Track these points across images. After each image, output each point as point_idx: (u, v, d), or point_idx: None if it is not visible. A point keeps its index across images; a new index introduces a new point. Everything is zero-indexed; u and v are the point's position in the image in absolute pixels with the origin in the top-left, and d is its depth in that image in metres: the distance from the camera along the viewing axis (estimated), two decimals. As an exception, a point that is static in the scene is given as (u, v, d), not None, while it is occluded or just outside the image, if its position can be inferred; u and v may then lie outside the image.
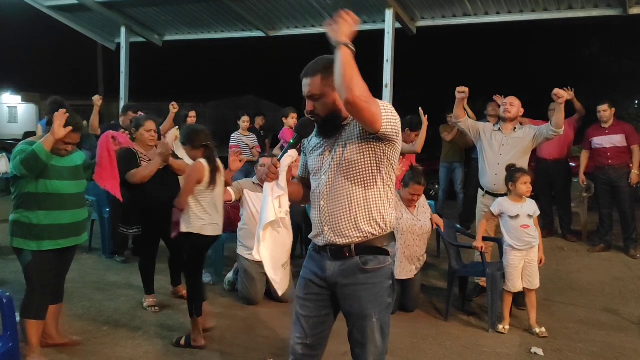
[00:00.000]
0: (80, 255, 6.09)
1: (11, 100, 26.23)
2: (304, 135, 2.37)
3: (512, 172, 4.34)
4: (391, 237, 2.36)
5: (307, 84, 2.27)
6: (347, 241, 2.28)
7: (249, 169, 6.97)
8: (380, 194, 2.29)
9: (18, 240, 3.39)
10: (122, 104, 8.40)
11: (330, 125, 2.30)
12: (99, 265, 5.85)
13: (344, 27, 2.06)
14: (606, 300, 5.02)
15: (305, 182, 2.54)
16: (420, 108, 5.51)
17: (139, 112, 5.77)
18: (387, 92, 6.71)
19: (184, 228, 3.90)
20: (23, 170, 3.26)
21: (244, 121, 7.71)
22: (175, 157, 4.66)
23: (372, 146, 2.24)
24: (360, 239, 2.28)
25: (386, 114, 2.15)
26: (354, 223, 2.27)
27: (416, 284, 4.67)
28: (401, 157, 4.68)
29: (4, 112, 26.77)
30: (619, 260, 6.34)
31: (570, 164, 7.48)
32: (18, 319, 3.33)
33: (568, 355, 3.86)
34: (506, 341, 4.08)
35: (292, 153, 2.35)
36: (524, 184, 4.24)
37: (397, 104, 6.67)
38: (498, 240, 4.52)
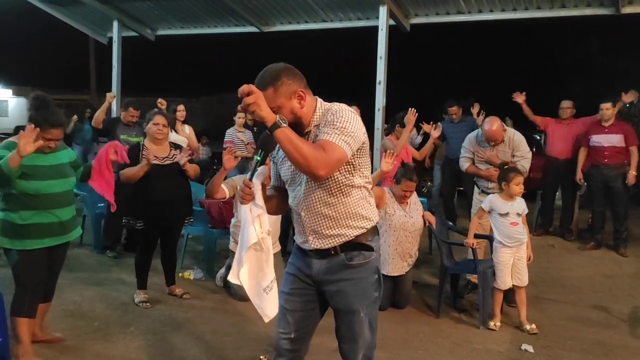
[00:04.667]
0: (71, 250, 6.01)
1: (2, 93, 25.98)
2: (268, 149, 2.28)
3: (505, 172, 4.36)
4: (374, 231, 2.36)
5: None
6: (333, 244, 2.29)
7: (244, 165, 6.94)
8: (359, 197, 2.28)
9: (4, 240, 3.36)
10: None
11: None
12: (91, 261, 5.82)
13: (260, 111, 1.99)
14: (596, 298, 5.05)
15: (279, 190, 2.48)
16: (411, 109, 5.47)
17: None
18: (380, 88, 6.70)
19: None
20: None
21: (240, 117, 7.65)
22: (191, 161, 4.64)
23: None
24: (345, 239, 2.28)
25: (345, 142, 2.08)
26: (337, 229, 2.27)
27: (408, 281, 4.69)
28: (393, 154, 4.67)
29: (-5, 105, 26.52)
30: (609, 258, 6.38)
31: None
32: (8, 315, 3.32)
33: (558, 352, 3.89)
34: (497, 338, 4.11)
35: (262, 170, 2.28)
36: (517, 185, 4.25)
37: (390, 100, 6.66)
38: (490, 238, 4.54)
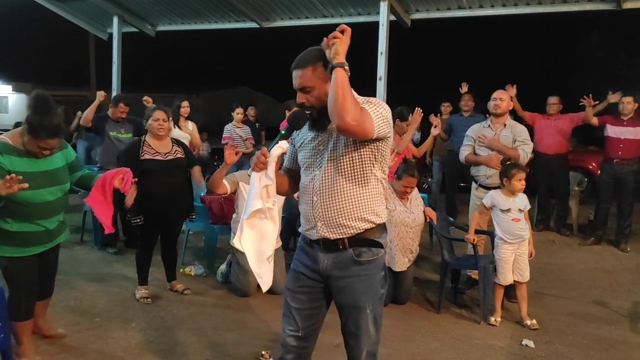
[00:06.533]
0: (72, 247, 6.07)
1: (2, 90, 25.96)
2: (296, 127, 2.34)
3: (507, 168, 4.35)
4: (383, 228, 2.37)
5: (298, 76, 2.24)
6: (341, 235, 2.29)
7: (242, 161, 6.94)
8: (374, 191, 2.30)
9: None
10: (114, 94, 8.33)
11: (323, 118, 2.24)
12: (91, 257, 5.83)
13: (340, 47, 2.08)
14: (596, 293, 5.06)
15: (292, 173, 2.52)
16: (417, 108, 5.42)
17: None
18: (381, 84, 6.70)
19: None
20: None
21: (238, 113, 7.65)
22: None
23: (368, 143, 2.22)
24: (353, 232, 2.28)
25: (377, 118, 2.14)
26: (347, 219, 2.27)
27: (409, 277, 4.69)
28: (394, 151, 4.67)
29: (-5, 101, 26.49)
30: (610, 253, 6.39)
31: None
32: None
33: (558, 347, 3.90)
34: (497, 333, 4.11)
35: (283, 144, 2.30)
36: (519, 181, 4.25)
37: (391, 96, 6.64)
38: (490, 233, 4.54)
